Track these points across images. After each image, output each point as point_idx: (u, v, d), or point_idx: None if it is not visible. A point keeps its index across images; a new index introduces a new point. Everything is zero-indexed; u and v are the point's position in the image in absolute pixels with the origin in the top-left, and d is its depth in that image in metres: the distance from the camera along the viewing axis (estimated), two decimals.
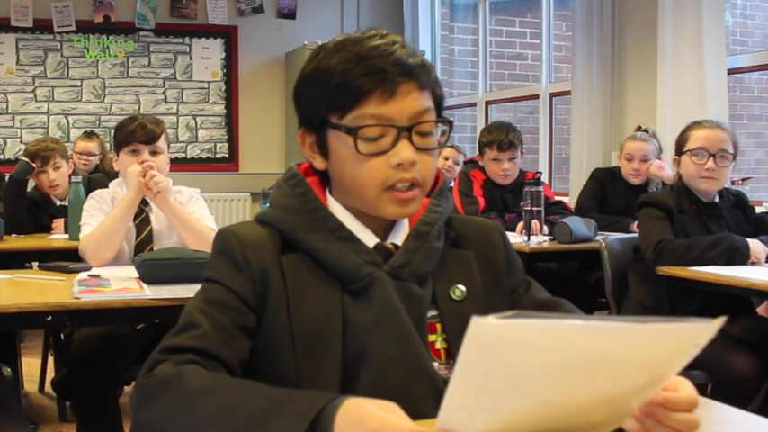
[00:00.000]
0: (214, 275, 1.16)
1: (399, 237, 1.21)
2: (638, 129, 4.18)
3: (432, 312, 1.18)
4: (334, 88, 1.14)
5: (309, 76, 1.18)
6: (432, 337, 1.18)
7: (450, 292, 1.20)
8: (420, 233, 1.19)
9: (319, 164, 1.22)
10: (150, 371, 1.04)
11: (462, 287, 1.20)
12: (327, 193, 1.23)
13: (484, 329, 0.73)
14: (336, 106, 1.14)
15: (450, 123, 1.21)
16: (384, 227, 1.21)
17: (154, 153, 2.79)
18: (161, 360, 1.05)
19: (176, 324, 1.12)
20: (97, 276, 2.37)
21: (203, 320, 1.09)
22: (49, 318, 2.05)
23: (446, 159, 5.35)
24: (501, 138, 4.04)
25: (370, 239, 1.19)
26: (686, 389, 0.96)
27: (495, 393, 0.79)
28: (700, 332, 0.83)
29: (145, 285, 2.22)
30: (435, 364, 1.16)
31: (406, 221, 1.23)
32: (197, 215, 2.80)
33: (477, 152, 4.28)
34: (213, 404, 0.94)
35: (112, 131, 6.41)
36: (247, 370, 1.12)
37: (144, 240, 2.75)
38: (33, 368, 4.11)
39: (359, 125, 1.13)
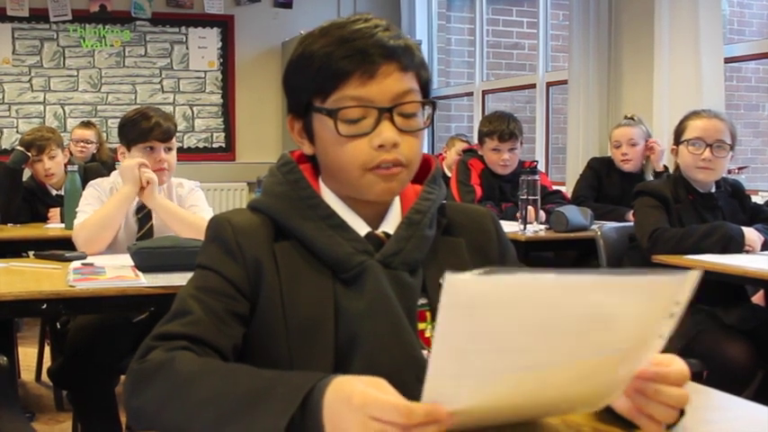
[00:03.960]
0: (207, 262, 1.16)
1: (391, 225, 1.20)
2: (625, 117, 4.23)
3: (422, 301, 1.18)
4: (316, 71, 1.14)
5: (295, 62, 1.19)
6: (421, 326, 1.18)
7: (441, 281, 1.19)
8: (412, 221, 1.19)
9: (307, 149, 1.22)
10: (143, 357, 1.05)
11: None
12: (320, 180, 1.23)
13: (459, 287, 0.72)
14: (319, 89, 1.15)
15: (434, 104, 1.21)
16: (376, 214, 1.21)
17: (167, 150, 2.81)
18: (153, 346, 1.05)
19: (169, 311, 1.12)
20: (92, 265, 2.37)
21: (196, 307, 1.09)
22: (44, 306, 2.05)
23: (459, 154, 5.27)
24: (502, 128, 4.04)
25: (361, 228, 1.19)
26: (678, 364, 0.96)
27: (478, 357, 0.79)
28: (677, 286, 0.82)
29: (140, 273, 2.21)
30: (425, 353, 1.15)
31: (397, 209, 1.23)
32: (196, 208, 2.81)
33: (477, 141, 4.28)
34: (205, 388, 0.95)
35: (109, 121, 6.51)
36: (241, 357, 1.12)
37: (145, 235, 2.75)
38: (30, 358, 4.11)
39: (339, 107, 1.13)
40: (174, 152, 2.84)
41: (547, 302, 0.77)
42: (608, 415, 0.99)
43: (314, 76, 1.15)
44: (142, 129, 2.76)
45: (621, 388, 0.93)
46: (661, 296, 0.84)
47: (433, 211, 1.22)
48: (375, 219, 1.21)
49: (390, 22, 1.18)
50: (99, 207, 2.73)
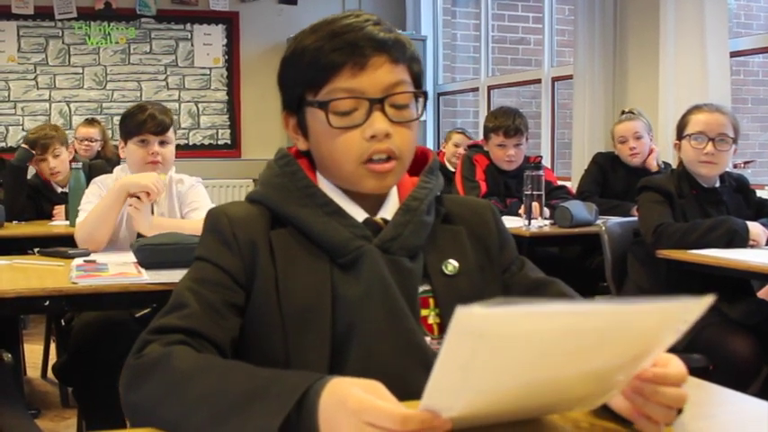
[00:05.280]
0: (204, 254, 1.16)
1: (389, 212, 1.20)
2: (623, 113, 4.22)
3: (424, 287, 1.18)
4: (308, 65, 1.15)
5: (287, 58, 1.20)
6: (424, 312, 1.17)
7: (443, 267, 1.19)
8: (409, 208, 1.19)
9: (302, 144, 1.23)
10: (139, 352, 1.04)
11: (455, 262, 1.20)
12: (317, 173, 1.23)
13: (469, 319, 0.72)
14: (310, 83, 1.16)
15: (425, 94, 1.21)
16: (373, 203, 1.21)
17: (162, 143, 2.78)
18: (150, 341, 1.05)
19: (167, 304, 1.12)
20: (95, 262, 2.38)
21: (192, 300, 1.09)
22: (47, 302, 2.04)
23: (456, 146, 5.30)
24: (508, 123, 4.02)
25: (359, 214, 1.19)
26: (676, 365, 0.96)
27: (480, 376, 0.79)
28: (687, 310, 0.82)
29: (143, 270, 2.21)
30: (428, 339, 1.15)
31: (395, 198, 1.23)
32: (196, 203, 2.81)
33: (482, 137, 4.27)
34: (200, 386, 0.94)
35: (114, 118, 6.53)
36: (237, 347, 1.12)
37: None
38: (36, 354, 4.13)
39: (330, 99, 1.14)
40: (170, 146, 2.81)
41: (556, 331, 0.77)
42: (605, 412, 0.98)
43: (305, 69, 1.16)
44: (135, 122, 2.75)
45: (618, 388, 0.94)
46: (671, 318, 0.84)
47: (431, 199, 1.22)
48: (373, 208, 1.21)
49: (380, 17, 1.19)
50: None
